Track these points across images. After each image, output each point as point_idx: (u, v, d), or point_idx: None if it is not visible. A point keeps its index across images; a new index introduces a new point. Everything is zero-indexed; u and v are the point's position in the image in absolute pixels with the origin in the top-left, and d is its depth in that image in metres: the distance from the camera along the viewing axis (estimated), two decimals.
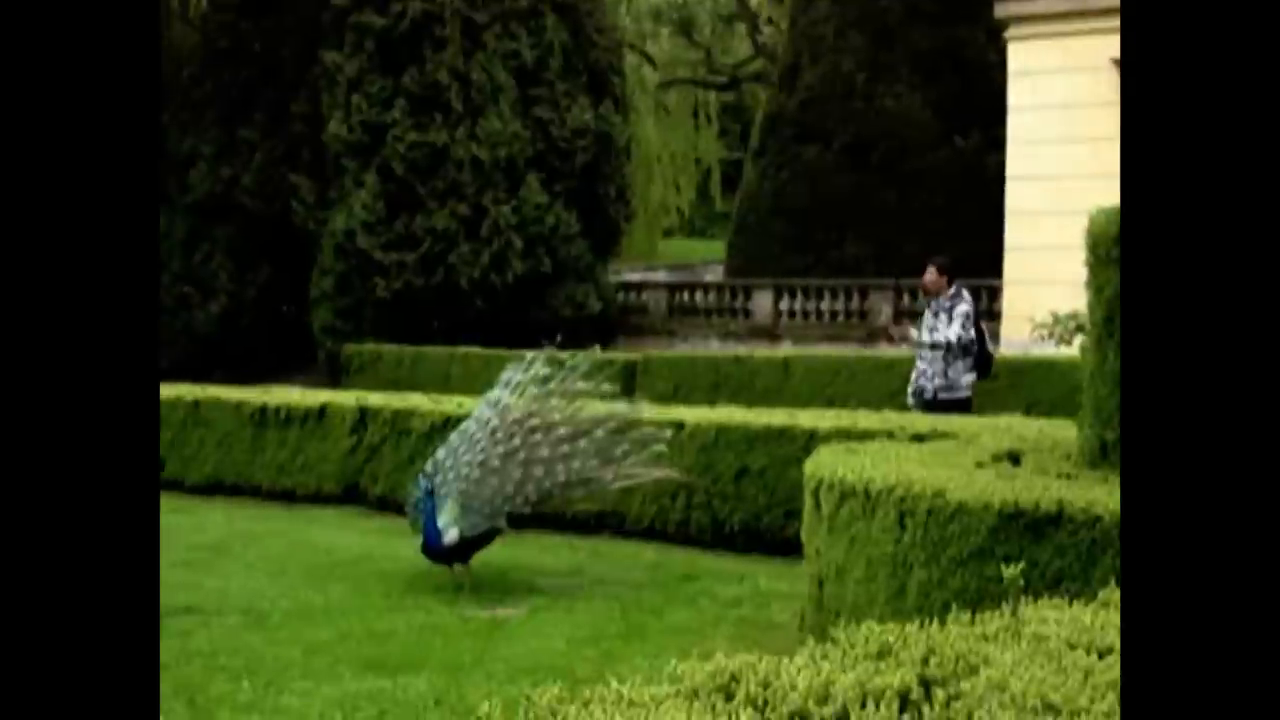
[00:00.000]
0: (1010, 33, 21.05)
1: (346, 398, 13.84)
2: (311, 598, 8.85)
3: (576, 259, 25.37)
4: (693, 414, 11.04)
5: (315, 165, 25.86)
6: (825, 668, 2.97)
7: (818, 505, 6.90)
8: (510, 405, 9.25)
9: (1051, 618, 3.49)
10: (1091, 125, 18.77)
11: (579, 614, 8.32)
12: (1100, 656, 3.12)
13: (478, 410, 9.51)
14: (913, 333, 12.06)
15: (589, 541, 10.85)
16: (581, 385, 9.41)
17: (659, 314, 27.68)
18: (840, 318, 25.33)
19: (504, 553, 9.54)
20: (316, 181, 25.72)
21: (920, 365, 11.66)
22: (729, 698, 2.85)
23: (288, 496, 13.39)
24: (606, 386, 9.64)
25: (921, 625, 3.33)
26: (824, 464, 7.00)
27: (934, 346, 11.42)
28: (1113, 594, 3.76)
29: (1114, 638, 3.22)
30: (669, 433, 9.63)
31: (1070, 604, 3.68)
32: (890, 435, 9.09)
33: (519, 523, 9.32)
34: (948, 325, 11.38)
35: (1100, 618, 3.46)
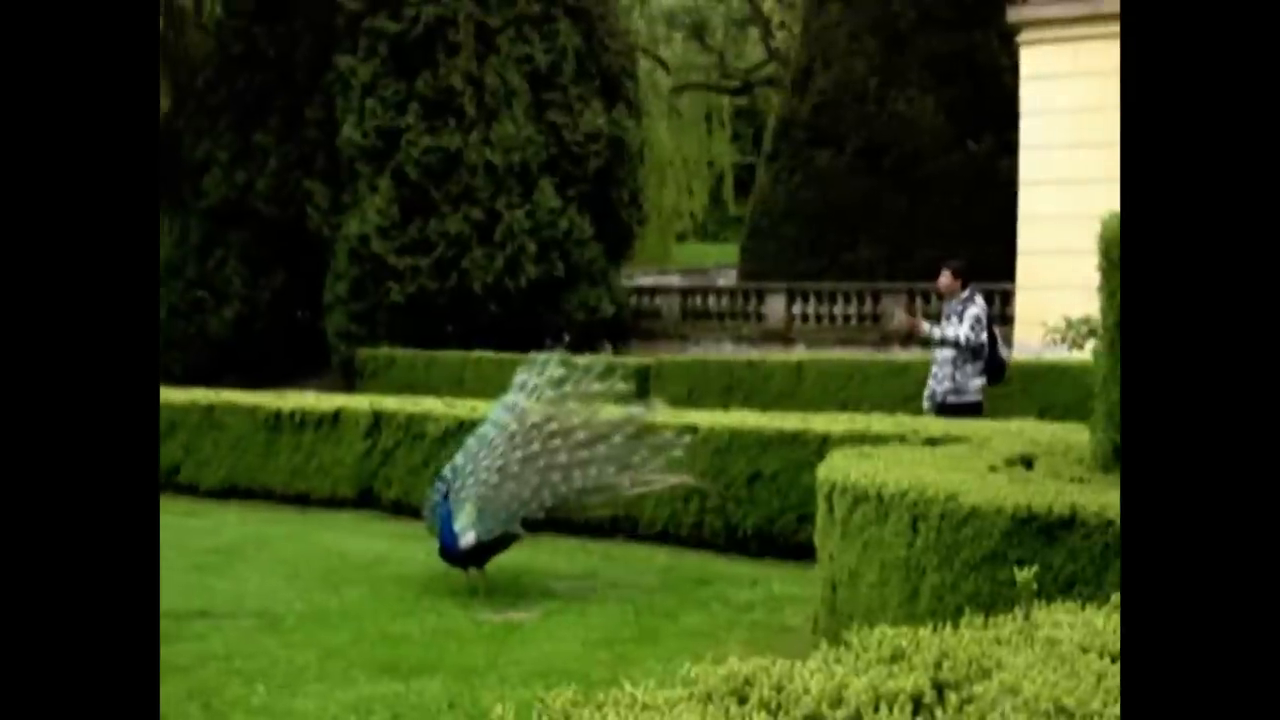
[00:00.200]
0: (1022, 37, 21.03)
1: (361, 402, 13.86)
2: (326, 601, 8.87)
3: (590, 263, 25.37)
4: (706, 418, 11.05)
5: (329, 170, 25.90)
6: (839, 671, 2.97)
7: (831, 509, 6.91)
8: (528, 409, 9.25)
9: (1064, 621, 3.50)
10: (1104, 130, 18.69)
11: (592, 617, 8.33)
12: (1113, 660, 3.12)
13: (494, 415, 9.50)
14: (925, 325, 12.05)
15: (602, 545, 10.86)
16: (597, 387, 9.41)
17: (672, 318, 27.66)
18: (853, 321, 25.31)
19: (517, 556, 9.56)
20: (330, 186, 25.76)
21: (932, 368, 11.70)
22: (742, 701, 2.86)
23: (302, 500, 13.42)
24: (622, 386, 9.64)
25: (934, 629, 3.33)
26: (837, 468, 7.01)
27: (942, 342, 11.44)
28: None
29: None
30: (687, 439, 9.62)
31: (1083, 608, 3.69)
32: (903, 439, 9.10)
33: (532, 526, 9.33)
34: (958, 326, 11.40)
35: (1113, 621, 3.46)
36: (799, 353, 22.35)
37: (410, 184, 24.34)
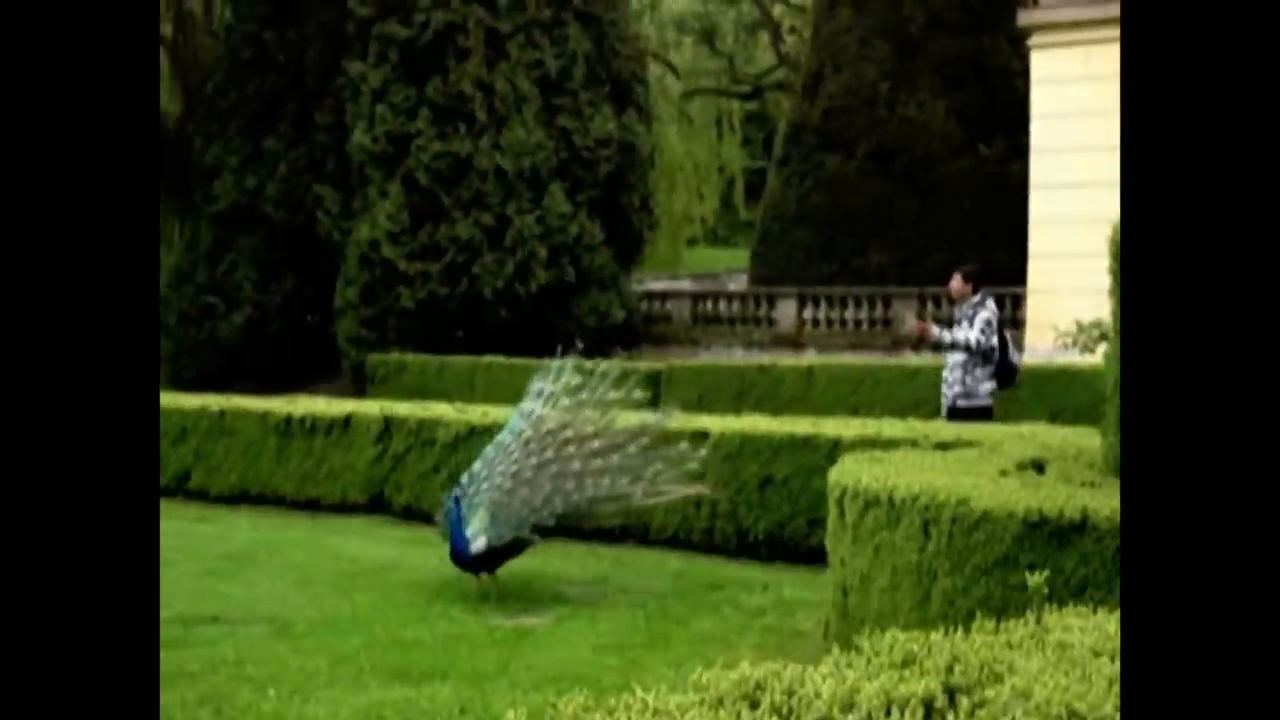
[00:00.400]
0: (1033, 41, 21.04)
1: (371, 407, 13.86)
2: (337, 607, 8.87)
3: (600, 268, 25.39)
4: (717, 423, 11.04)
5: (339, 175, 25.95)
6: (850, 676, 2.97)
7: (842, 514, 6.90)
8: (544, 416, 9.25)
9: (1076, 626, 3.49)
10: (1114, 133, 18.58)
11: (604, 623, 8.32)
12: None
13: (511, 422, 9.50)
14: (935, 329, 12.03)
15: (613, 550, 10.85)
16: (613, 395, 9.39)
17: (683, 323, 27.68)
18: (864, 326, 25.32)
19: (528, 562, 9.55)
20: (341, 191, 25.80)
21: (944, 373, 11.70)
22: (754, 706, 2.86)
23: (313, 506, 13.43)
24: (638, 393, 9.62)
25: (946, 633, 3.33)
26: (848, 472, 7.00)
27: (952, 346, 11.44)
28: None
29: None
30: (702, 452, 9.58)
31: (1094, 612, 3.68)
32: (914, 444, 9.07)
33: (543, 532, 9.32)
34: (968, 330, 11.39)
35: None
36: (810, 357, 22.35)
37: (420, 189, 24.38)
